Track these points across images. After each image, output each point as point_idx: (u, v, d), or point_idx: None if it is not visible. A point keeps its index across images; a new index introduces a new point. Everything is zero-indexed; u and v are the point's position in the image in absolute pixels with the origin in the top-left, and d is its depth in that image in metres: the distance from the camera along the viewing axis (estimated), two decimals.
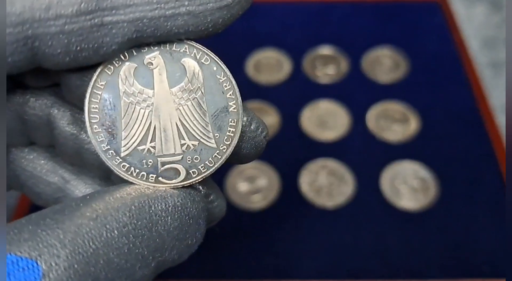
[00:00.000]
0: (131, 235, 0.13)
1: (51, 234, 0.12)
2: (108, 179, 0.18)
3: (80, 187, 0.18)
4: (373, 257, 0.34)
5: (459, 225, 0.35)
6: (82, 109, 0.16)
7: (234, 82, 0.15)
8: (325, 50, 0.47)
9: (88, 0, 0.13)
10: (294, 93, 0.44)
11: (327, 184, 0.38)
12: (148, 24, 0.14)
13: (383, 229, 0.35)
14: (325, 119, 0.42)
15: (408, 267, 0.33)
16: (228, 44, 0.47)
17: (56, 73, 0.16)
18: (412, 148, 0.40)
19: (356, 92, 0.44)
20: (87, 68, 0.15)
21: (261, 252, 0.34)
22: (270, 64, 0.46)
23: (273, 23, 0.49)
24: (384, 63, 0.46)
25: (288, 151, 0.40)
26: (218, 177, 0.38)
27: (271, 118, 0.42)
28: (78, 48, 0.14)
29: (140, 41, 0.14)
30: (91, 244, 0.12)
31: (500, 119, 0.42)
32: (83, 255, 0.12)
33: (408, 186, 0.37)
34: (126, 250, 0.13)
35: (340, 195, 0.37)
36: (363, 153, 0.39)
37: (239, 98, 0.15)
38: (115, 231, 0.13)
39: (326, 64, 0.46)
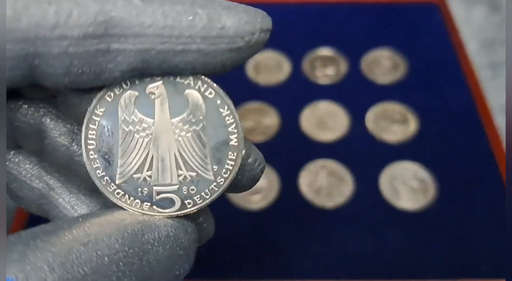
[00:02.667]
0: (121, 263, 0.13)
1: (41, 256, 0.12)
2: (95, 191, 0.17)
3: (64, 196, 0.17)
4: (372, 257, 0.34)
5: (458, 225, 0.35)
6: (76, 123, 0.16)
7: (237, 117, 0.15)
8: (325, 51, 0.47)
9: (97, 24, 0.13)
10: (294, 94, 0.44)
11: (326, 184, 0.38)
12: (155, 56, 0.14)
13: (382, 230, 0.35)
14: (325, 120, 0.42)
15: (407, 268, 0.33)
16: None
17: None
18: (411, 149, 0.40)
19: (356, 93, 0.44)
20: (86, 90, 0.15)
21: (261, 252, 0.34)
22: (269, 65, 0.46)
23: (273, 24, 0.49)
24: (383, 64, 0.46)
25: (288, 151, 0.40)
26: None
27: (270, 119, 0.42)
28: (80, 71, 0.13)
29: (145, 71, 0.14)
30: (80, 270, 0.12)
31: (499, 120, 0.42)
32: None
33: (407, 186, 0.37)
34: (114, 279, 0.12)
35: (340, 195, 0.37)
36: (363, 154, 0.40)
37: (241, 133, 0.15)
38: (106, 258, 0.12)
39: (326, 65, 0.46)
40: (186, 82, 0.15)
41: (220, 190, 0.15)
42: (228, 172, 0.15)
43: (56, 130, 0.16)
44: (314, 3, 0.51)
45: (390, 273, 0.33)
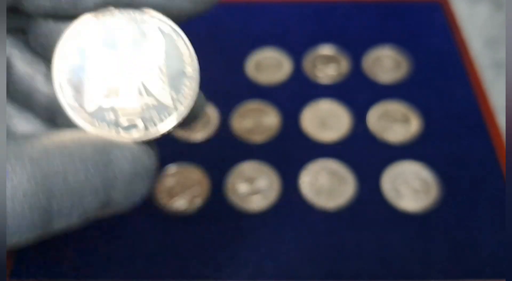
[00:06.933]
0: (90, 166, 0.14)
1: (20, 150, 0.13)
2: (52, 121, 0.19)
3: (22, 123, 0.18)
4: (374, 258, 0.34)
5: (461, 226, 0.35)
6: (44, 57, 0.18)
7: (192, 49, 0.17)
8: (326, 50, 0.47)
9: None
10: (295, 94, 0.43)
11: (327, 185, 0.37)
12: None
13: (384, 230, 0.35)
14: (326, 120, 0.41)
15: (409, 269, 0.33)
16: (228, 44, 0.47)
17: (26, 19, 0.17)
18: (413, 149, 0.39)
19: (357, 93, 0.43)
20: (58, 20, 0.17)
21: (261, 253, 0.34)
22: (270, 64, 0.45)
23: (273, 23, 0.49)
24: (385, 63, 0.45)
25: (288, 151, 0.39)
26: (217, 178, 0.38)
27: (271, 119, 0.41)
28: None
29: (116, 4, 0.16)
30: (54, 161, 0.13)
31: (502, 120, 0.42)
32: (45, 169, 0.13)
33: (410, 186, 0.37)
34: (83, 177, 0.14)
35: (341, 195, 0.37)
36: (364, 154, 0.39)
37: (196, 64, 0.17)
38: (77, 159, 0.14)
39: (327, 64, 0.46)
40: (146, 18, 0.17)
41: (180, 116, 0.17)
42: (188, 97, 0.17)
43: (22, 60, 0.18)
44: (315, 2, 0.51)
45: (391, 274, 0.33)
